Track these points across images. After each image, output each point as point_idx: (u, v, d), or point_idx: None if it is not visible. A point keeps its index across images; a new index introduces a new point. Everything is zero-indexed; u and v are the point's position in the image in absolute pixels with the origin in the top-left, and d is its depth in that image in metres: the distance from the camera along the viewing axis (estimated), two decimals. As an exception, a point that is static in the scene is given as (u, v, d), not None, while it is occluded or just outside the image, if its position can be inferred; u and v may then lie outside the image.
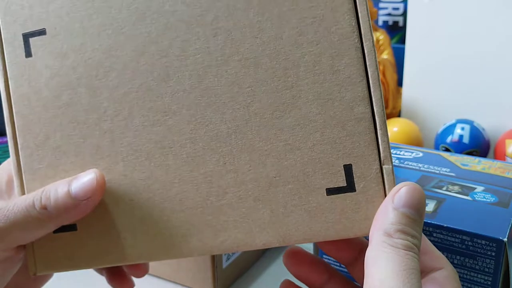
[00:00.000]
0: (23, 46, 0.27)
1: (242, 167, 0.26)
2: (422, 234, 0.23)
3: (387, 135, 0.25)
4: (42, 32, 0.27)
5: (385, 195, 0.24)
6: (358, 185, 0.25)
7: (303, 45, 0.25)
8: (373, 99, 0.25)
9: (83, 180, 0.25)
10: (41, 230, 0.26)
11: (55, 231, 0.27)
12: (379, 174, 0.25)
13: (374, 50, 0.25)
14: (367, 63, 0.25)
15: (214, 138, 0.26)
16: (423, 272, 0.23)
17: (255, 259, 0.47)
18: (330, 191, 0.25)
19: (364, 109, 0.25)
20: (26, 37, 0.27)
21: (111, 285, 0.33)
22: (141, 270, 0.33)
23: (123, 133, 0.27)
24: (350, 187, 0.25)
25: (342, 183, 0.25)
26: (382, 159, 0.25)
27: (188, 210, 0.26)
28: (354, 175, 0.25)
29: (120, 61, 0.27)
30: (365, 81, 0.25)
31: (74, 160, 0.27)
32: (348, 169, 0.25)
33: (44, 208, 0.25)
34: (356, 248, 0.28)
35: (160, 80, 0.26)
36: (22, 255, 0.27)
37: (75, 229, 0.27)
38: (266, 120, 0.26)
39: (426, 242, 0.24)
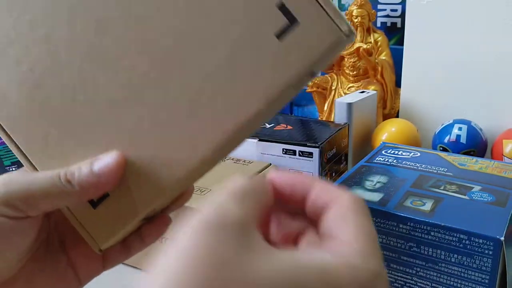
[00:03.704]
0: None
1: (191, 48, 0.27)
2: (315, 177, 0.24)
3: None
4: None
5: (325, 11, 0.25)
6: (298, 16, 0.26)
7: None
8: None
9: (105, 160, 0.27)
10: (63, 201, 0.28)
11: (94, 207, 0.29)
12: None
13: None
14: None
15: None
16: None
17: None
18: (279, 35, 0.26)
19: None
20: None
21: (150, 236, 0.33)
22: (163, 222, 0.33)
23: (97, 94, 0.29)
24: (292, 21, 0.26)
25: (284, 22, 0.26)
26: None
27: (167, 139, 0.28)
28: (290, 10, 0.26)
29: (61, 39, 0.29)
30: None
31: (78, 143, 0.29)
32: (282, 8, 0.26)
33: (69, 182, 0.27)
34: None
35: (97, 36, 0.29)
36: (39, 225, 0.29)
37: (107, 196, 0.29)
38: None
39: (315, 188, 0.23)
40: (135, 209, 0.29)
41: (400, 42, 0.76)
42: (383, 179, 0.38)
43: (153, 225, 0.32)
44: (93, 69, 0.29)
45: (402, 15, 0.77)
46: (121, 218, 0.29)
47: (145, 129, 0.29)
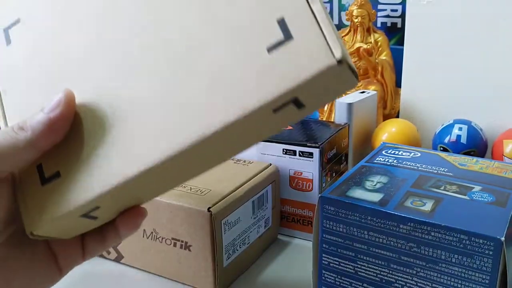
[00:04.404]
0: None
1: (180, 52, 0.27)
2: None
3: None
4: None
5: (322, 33, 0.24)
6: (294, 32, 0.25)
7: None
8: None
9: (53, 99, 0.28)
10: (23, 155, 0.28)
11: (43, 183, 0.29)
12: (311, 14, 0.25)
13: None
14: None
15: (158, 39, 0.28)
16: None
17: (256, 258, 0.47)
18: (271, 48, 0.25)
19: None
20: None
21: (124, 228, 0.32)
22: (136, 214, 0.32)
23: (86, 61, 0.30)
24: (287, 36, 0.25)
25: (280, 36, 0.25)
26: (309, 1, 0.25)
27: (153, 118, 0.27)
28: (288, 25, 0.25)
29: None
30: None
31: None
32: (281, 22, 0.25)
33: (21, 128, 0.27)
34: None
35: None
36: (6, 197, 0.29)
37: (59, 176, 0.29)
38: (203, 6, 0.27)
39: None
40: (72, 201, 0.28)
41: (400, 42, 0.76)
42: (383, 179, 0.38)
43: (127, 217, 0.32)
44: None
45: (402, 15, 0.77)
46: (65, 204, 0.28)
47: (122, 111, 0.28)
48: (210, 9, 0.27)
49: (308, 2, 0.25)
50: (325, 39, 0.24)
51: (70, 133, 0.29)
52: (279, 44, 0.25)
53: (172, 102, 0.27)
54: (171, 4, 0.28)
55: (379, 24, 0.80)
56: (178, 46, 0.27)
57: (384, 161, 0.41)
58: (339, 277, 0.36)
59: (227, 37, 0.26)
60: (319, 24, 0.25)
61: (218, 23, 0.27)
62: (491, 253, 0.30)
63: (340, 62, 0.24)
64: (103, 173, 0.28)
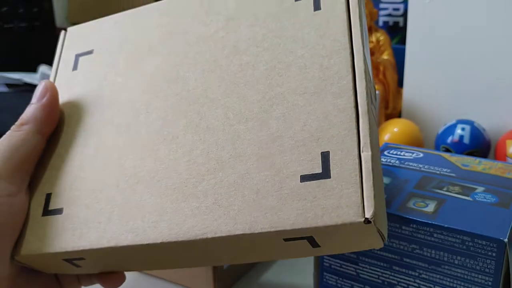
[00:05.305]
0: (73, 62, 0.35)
1: (223, 156, 0.26)
2: None
3: (368, 125, 0.24)
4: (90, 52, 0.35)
5: (361, 182, 0.23)
6: (333, 172, 0.24)
7: (297, 50, 0.27)
8: (358, 91, 0.25)
9: (38, 89, 0.32)
10: (31, 140, 0.31)
11: (43, 214, 0.30)
12: (357, 161, 0.24)
13: (363, 47, 0.26)
14: (355, 60, 0.26)
15: (204, 130, 0.28)
16: None
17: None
18: (305, 178, 0.24)
19: (347, 100, 0.25)
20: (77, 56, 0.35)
21: (103, 283, 0.33)
22: (116, 278, 0.33)
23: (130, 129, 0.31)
24: (325, 173, 0.24)
25: (318, 169, 0.24)
26: (361, 146, 0.24)
27: (164, 196, 0.27)
28: (330, 162, 0.24)
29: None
30: (351, 76, 0.26)
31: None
32: (325, 156, 0.24)
33: (22, 124, 0.31)
34: None
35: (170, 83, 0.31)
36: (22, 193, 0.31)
37: (61, 213, 0.29)
38: (253, 114, 0.27)
39: None
40: (63, 243, 0.29)
41: (402, 41, 0.75)
42: (385, 180, 0.37)
43: (107, 278, 0.33)
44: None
45: (405, 14, 0.77)
46: (48, 242, 0.29)
47: (139, 179, 0.29)
48: (267, 122, 0.26)
49: (359, 146, 0.24)
50: (362, 192, 0.23)
51: (87, 175, 0.30)
52: (314, 177, 0.24)
53: (189, 193, 0.27)
54: (223, 109, 0.28)
55: (381, 23, 0.80)
56: (224, 150, 0.27)
57: (386, 161, 0.41)
58: (340, 279, 0.36)
59: (268, 149, 0.26)
60: (361, 174, 0.23)
61: (266, 135, 0.26)
62: (494, 254, 0.29)
63: (368, 222, 0.22)
64: (100, 230, 0.28)
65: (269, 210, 0.24)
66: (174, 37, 0.32)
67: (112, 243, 0.27)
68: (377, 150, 0.25)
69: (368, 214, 0.22)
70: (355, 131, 0.24)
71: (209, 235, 0.25)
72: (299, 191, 0.24)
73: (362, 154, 0.24)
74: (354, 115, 0.25)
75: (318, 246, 0.25)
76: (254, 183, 0.25)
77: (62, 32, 0.38)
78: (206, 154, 0.27)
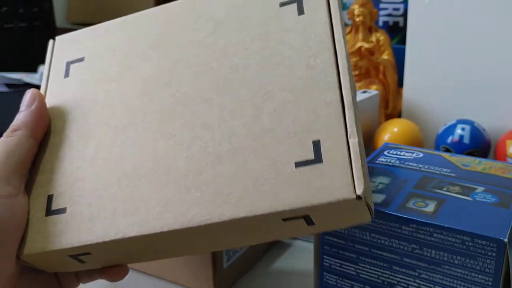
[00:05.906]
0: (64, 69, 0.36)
1: (220, 150, 0.28)
2: None
3: (354, 115, 0.27)
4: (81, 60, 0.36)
5: (351, 165, 0.26)
6: (325, 157, 0.26)
7: (284, 51, 0.30)
8: (342, 86, 0.28)
9: (26, 97, 0.34)
10: (24, 144, 0.32)
11: (47, 214, 0.30)
12: (345, 146, 0.26)
13: (345, 47, 0.29)
14: (338, 58, 0.29)
15: (200, 127, 0.29)
16: None
17: (256, 260, 0.47)
18: (299, 164, 0.27)
19: (333, 94, 0.28)
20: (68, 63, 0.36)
21: (105, 277, 0.34)
22: (119, 271, 0.34)
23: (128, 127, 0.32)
24: (317, 159, 0.26)
25: (311, 156, 0.26)
26: (348, 133, 0.27)
27: (166, 189, 0.28)
28: (321, 148, 0.26)
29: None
30: (335, 73, 0.28)
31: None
32: (316, 144, 0.27)
33: (14, 130, 0.32)
34: None
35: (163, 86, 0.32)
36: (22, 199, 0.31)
37: (64, 212, 0.30)
38: (246, 110, 0.29)
39: None
40: (69, 239, 0.29)
41: (402, 41, 0.75)
42: (385, 180, 0.37)
43: (111, 271, 0.34)
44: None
45: (405, 14, 0.77)
46: (54, 240, 0.30)
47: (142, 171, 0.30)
48: (260, 117, 0.29)
49: (346, 134, 0.27)
50: (352, 173, 0.26)
51: (87, 175, 0.31)
52: (307, 163, 0.26)
53: (190, 184, 0.28)
54: (219, 107, 0.30)
55: (381, 23, 0.80)
56: (221, 145, 0.29)
57: (386, 161, 0.41)
58: (340, 279, 0.36)
59: (263, 141, 0.28)
60: (350, 157, 0.26)
61: (259, 129, 0.28)
62: (494, 254, 0.29)
63: (359, 198, 0.25)
64: (106, 224, 0.29)
65: (269, 194, 0.26)
66: (166, 42, 0.33)
67: (119, 235, 0.28)
68: (361, 137, 0.27)
69: (359, 191, 0.25)
70: (342, 120, 0.27)
71: (213, 221, 0.27)
72: (295, 176, 0.26)
73: (349, 141, 0.26)
74: (340, 107, 0.27)
75: (313, 224, 0.27)
76: (252, 172, 0.27)
77: (51, 41, 0.38)
78: (204, 150, 0.29)
